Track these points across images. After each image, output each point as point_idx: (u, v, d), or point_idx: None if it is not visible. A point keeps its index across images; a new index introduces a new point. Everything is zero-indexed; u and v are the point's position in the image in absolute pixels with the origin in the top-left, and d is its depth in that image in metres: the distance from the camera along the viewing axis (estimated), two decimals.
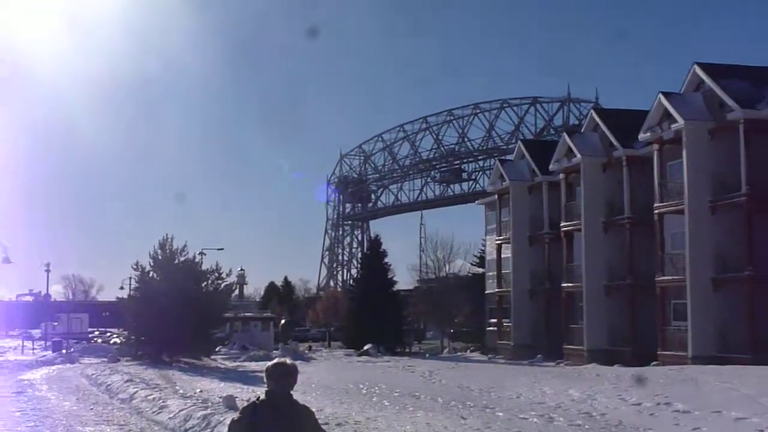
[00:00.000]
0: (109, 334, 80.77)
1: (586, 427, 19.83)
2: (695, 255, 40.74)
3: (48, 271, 70.26)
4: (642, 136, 44.70)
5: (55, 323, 77.33)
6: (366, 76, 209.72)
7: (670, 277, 42.55)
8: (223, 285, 51.10)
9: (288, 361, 6.54)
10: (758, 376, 27.30)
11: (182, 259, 50.21)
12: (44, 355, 54.64)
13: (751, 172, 38.98)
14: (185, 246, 50.61)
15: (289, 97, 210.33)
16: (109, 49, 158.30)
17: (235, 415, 6.41)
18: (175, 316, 46.40)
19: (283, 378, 6.34)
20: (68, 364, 47.75)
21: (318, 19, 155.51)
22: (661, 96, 43.01)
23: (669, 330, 42.67)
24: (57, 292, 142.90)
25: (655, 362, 41.52)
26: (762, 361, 35.11)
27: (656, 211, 43.60)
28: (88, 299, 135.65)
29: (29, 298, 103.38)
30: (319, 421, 6.52)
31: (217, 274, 50.46)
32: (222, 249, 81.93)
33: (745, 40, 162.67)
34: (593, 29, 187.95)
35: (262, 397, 6.30)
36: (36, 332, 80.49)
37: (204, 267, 52.16)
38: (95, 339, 76.75)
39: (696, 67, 42.48)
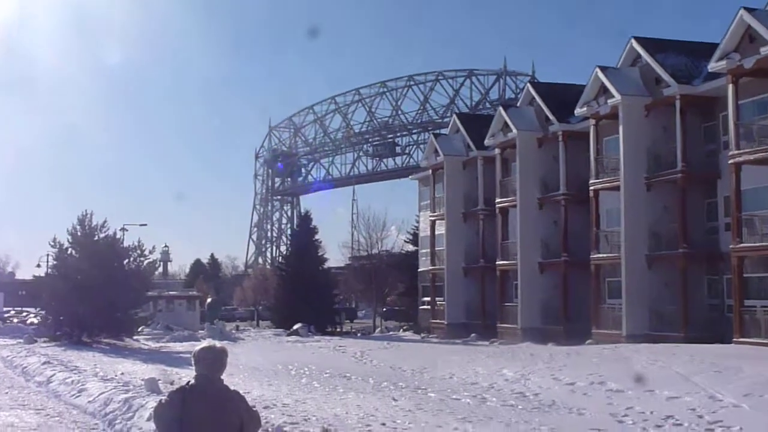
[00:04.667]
0: (25, 313, 79.21)
1: (519, 407, 20.23)
2: (630, 232, 41.54)
3: None
4: (578, 110, 45.26)
5: None
6: (296, 43, 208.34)
7: (604, 255, 43.33)
8: (146, 262, 50.52)
9: (217, 344, 6.59)
10: (690, 354, 28.10)
11: (102, 235, 49.49)
12: None
13: (686, 149, 39.81)
14: (105, 222, 49.92)
15: (214, 64, 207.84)
16: None
17: (162, 398, 6.44)
18: (95, 294, 45.79)
19: (212, 362, 6.39)
20: None
21: None
22: (597, 70, 43.58)
23: (603, 308, 43.51)
24: None
25: (589, 340, 42.30)
26: (694, 338, 36.01)
27: (591, 188, 44.27)
28: (4, 277, 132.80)
29: None
30: None
31: (139, 251, 49.88)
32: (145, 225, 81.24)
33: (682, 15, 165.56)
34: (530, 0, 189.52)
35: (192, 381, 6.34)
36: None
37: (126, 244, 51.61)
38: (11, 319, 75.27)
39: (633, 41, 42.91)
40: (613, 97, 42.39)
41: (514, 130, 51.19)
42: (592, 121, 44.70)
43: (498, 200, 53.35)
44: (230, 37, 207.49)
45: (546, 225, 50.06)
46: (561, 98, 48.95)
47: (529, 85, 56.06)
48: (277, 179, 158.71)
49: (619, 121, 42.15)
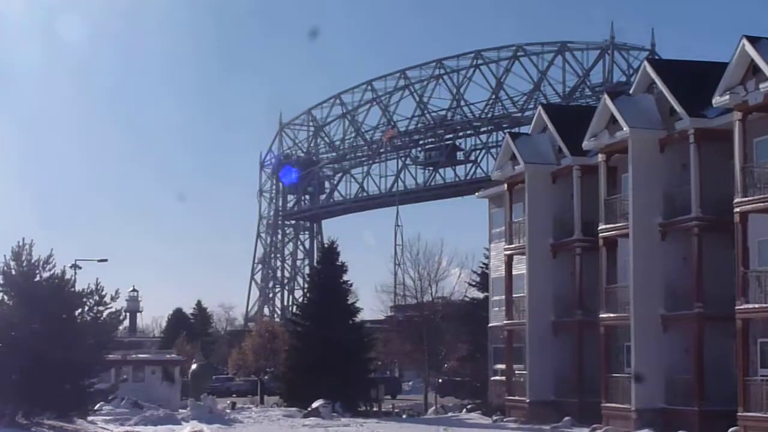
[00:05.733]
0: None
1: None
2: None
3: None
4: (717, 99, 44.79)
5: None
6: (318, 11, 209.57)
7: (755, 305, 42.71)
8: (106, 313, 50.61)
9: (205, 430, 6.42)
10: None
11: (46, 275, 49.64)
12: None
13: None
14: (51, 256, 50.07)
15: (210, 45, 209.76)
16: None
17: None
18: (34, 358, 45.79)
19: None
20: None
21: None
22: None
23: (756, 382, 42.79)
24: None
25: (733, 427, 41.67)
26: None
27: (737, 209, 43.71)
28: None
29: None
30: None
31: (97, 298, 49.95)
32: (105, 260, 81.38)
33: None
34: None
35: None
36: None
37: (79, 287, 51.71)
38: None
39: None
40: (767, 80, 41.98)
41: (626, 128, 50.67)
42: (738, 115, 44.15)
43: (602, 227, 52.77)
44: (238, 17, 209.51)
45: (671, 261, 49.36)
46: (692, 82, 48.41)
47: (646, 63, 55.52)
48: (290, 197, 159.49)
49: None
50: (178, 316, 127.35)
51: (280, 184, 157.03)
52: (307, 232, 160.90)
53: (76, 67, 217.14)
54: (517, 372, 60.56)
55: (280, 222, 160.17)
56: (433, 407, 73.15)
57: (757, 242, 43.12)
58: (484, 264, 73.79)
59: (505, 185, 62.41)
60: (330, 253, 73.62)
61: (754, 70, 42.28)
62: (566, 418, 52.99)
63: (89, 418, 51.37)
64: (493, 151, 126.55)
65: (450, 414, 67.93)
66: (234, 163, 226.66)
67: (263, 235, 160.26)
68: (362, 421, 55.94)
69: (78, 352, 47.68)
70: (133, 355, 73.15)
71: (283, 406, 69.01)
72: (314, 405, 60.65)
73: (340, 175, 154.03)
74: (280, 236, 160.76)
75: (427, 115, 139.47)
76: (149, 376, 70.52)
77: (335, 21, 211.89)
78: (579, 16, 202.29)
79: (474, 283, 77.77)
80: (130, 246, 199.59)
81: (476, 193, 73.03)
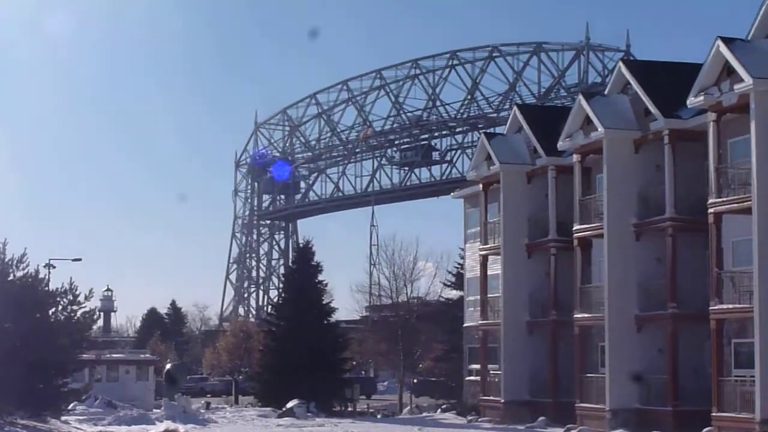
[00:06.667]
0: None
1: None
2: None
3: None
4: (692, 100, 44.91)
5: None
6: (293, 10, 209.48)
7: (729, 306, 42.84)
8: (80, 312, 50.38)
9: (180, 429, 6.41)
10: None
11: (20, 273, 49.47)
12: None
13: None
14: (24, 255, 49.90)
15: (183, 41, 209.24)
16: None
17: None
18: (8, 356, 45.71)
19: None
20: None
21: None
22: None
23: (729, 382, 42.90)
24: None
25: (708, 429, 41.80)
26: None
27: (711, 210, 43.84)
28: None
29: None
30: None
31: (71, 297, 49.77)
32: (79, 260, 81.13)
33: None
34: None
35: None
36: None
37: (52, 286, 51.46)
38: None
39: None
40: (741, 81, 42.14)
41: (600, 129, 50.78)
42: (712, 116, 44.32)
43: (577, 227, 52.90)
44: (217, 14, 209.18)
45: (646, 262, 49.49)
46: (667, 82, 48.58)
47: (621, 64, 55.59)
48: (265, 197, 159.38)
49: (751, 115, 41.92)
50: (152, 315, 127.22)
51: (256, 183, 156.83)
52: (282, 232, 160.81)
53: (62, 60, 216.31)
54: (492, 372, 60.62)
55: (255, 222, 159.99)
56: (408, 407, 73.14)
57: (731, 243, 43.32)
58: (459, 264, 73.88)
59: (481, 185, 62.46)
60: (305, 252, 73.59)
61: (728, 71, 42.39)
62: (541, 418, 53.08)
63: (63, 418, 51.17)
64: (468, 151, 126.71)
65: (425, 414, 67.92)
66: (209, 162, 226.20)
67: (238, 234, 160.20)
68: (337, 421, 55.94)
69: (51, 351, 47.52)
70: (107, 355, 72.92)
71: (257, 406, 68.92)
72: (289, 405, 60.59)
73: (315, 174, 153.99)
74: (255, 236, 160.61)
75: (403, 115, 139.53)
76: (123, 375, 70.40)
77: (312, 21, 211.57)
78: (554, 17, 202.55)
79: (449, 283, 77.86)
80: (104, 245, 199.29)
81: (452, 193, 73.07)
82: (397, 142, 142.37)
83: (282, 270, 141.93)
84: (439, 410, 68.87)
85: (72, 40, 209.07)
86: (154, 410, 61.57)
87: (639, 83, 50.39)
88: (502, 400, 58.19)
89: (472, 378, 64.40)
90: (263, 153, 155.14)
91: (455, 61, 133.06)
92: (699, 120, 45.68)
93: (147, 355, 78.95)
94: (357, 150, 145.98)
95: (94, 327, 62.63)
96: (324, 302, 70.68)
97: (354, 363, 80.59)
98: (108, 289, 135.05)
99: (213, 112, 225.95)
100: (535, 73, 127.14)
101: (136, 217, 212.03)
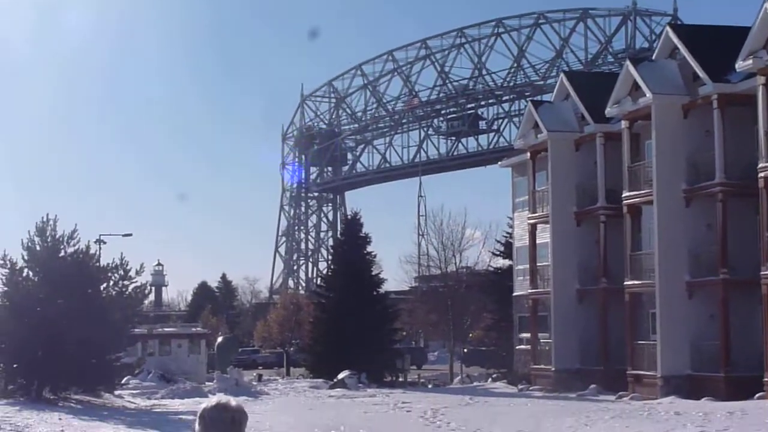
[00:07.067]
0: None
1: None
2: None
3: None
4: (741, 64, 44.60)
5: None
6: None
7: None
8: (131, 287, 50.78)
9: (232, 402, 6.50)
10: None
11: (71, 250, 49.83)
12: None
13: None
14: (75, 231, 50.21)
15: (229, 14, 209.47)
16: None
17: None
18: (60, 333, 46.04)
19: (226, 428, 6.23)
20: None
21: None
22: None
23: None
24: None
25: (760, 393, 41.60)
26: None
27: (761, 175, 43.54)
28: None
29: None
30: None
31: (122, 272, 50.14)
32: (129, 235, 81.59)
33: None
34: None
35: None
36: None
37: (103, 262, 51.80)
38: None
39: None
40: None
41: (648, 95, 50.50)
42: (761, 80, 43.95)
43: (626, 194, 52.66)
44: None
45: (696, 228, 49.33)
46: (715, 47, 48.30)
47: (668, 28, 55.26)
48: (313, 169, 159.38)
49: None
50: (203, 289, 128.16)
51: (304, 156, 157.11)
52: (330, 204, 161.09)
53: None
54: (542, 341, 60.64)
55: (304, 195, 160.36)
56: (459, 377, 73.32)
57: None
58: (507, 233, 73.75)
59: (528, 154, 62.34)
60: (353, 224, 73.73)
61: None
62: (592, 386, 53.03)
63: (116, 392, 51.65)
64: (515, 119, 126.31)
65: (476, 383, 68.08)
66: (256, 135, 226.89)
67: (287, 208, 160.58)
68: (388, 392, 56.11)
69: (103, 326, 47.84)
70: (159, 329, 73.46)
71: (309, 378, 69.27)
72: (340, 376, 60.83)
73: (362, 146, 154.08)
74: (303, 209, 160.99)
75: (449, 85, 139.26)
76: (176, 349, 70.86)
77: None
78: None
79: (498, 253, 77.74)
80: (154, 221, 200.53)
81: (499, 162, 72.95)
82: (443, 111, 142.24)
83: (330, 242, 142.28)
84: (490, 379, 69.05)
85: (104, 21, 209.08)
86: (207, 383, 62.02)
87: (687, 48, 50.11)
88: (553, 369, 58.24)
89: (522, 347, 64.42)
90: (309, 126, 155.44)
91: (501, 29, 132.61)
92: (748, 84, 45.28)
93: (199, 329, 79.40)
94: (403, 121, 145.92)
95: (146, 302, 63.10)
96: (373, 273, 70.82)
97: (404, 333, 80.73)
98: (159, 264, 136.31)
99: (260, 84, 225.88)
100: (581, 39, 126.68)
101: (190, 193, 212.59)
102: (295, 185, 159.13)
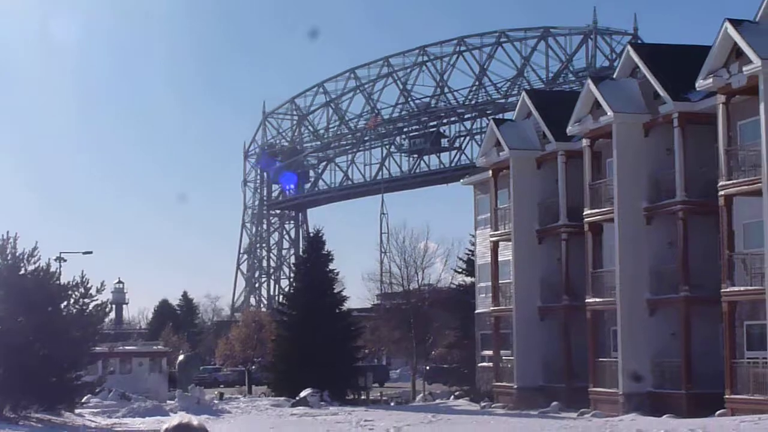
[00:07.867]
0: None
1: None
2: None
3: None
4: (701, 83, 44.88)
5: None
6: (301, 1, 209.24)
7: (741, 288, 42.83)
8: (92, 305, 50.52)
9: (193, 421, 6.43)
10: None
11: (31, 267, 49.55)
12: None
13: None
14: (35, 249, 49.97)
15: (192, 33, 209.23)
16: None
17: None
18: (21, 351, 45.74)
19: None
20: None
21: None
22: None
23: (741, 365, 42.92)
24: None
25: (721, 410, 41.77)
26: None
27: (721, 193, 43.79)
28: None
29: None
30: None
31: (83, 290, 49.88)
32: (90, 252, 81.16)
33: None
34: None
35: None
36: None
37: (64, 279, 51.53)
38: None
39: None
40: (750, 62, 42.08)
41: (610, 113, 50.76)
42: (721, 98, 44.26)
43: (588, 212, 52.88)
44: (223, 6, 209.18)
45: (657, 245, 49.57)
46: (676, 65, 48.65)
47: (629, 47, 55.62)
48: (275, 186, 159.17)
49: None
50: (164, 307, 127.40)
51: (265, 173, 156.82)
52: (292, 222, 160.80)
53: (68, 54, 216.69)
54: (504, 358, 60.69)
55: (265, 212, 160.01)
56: (421, 394, 73.25)
57: (742, 225, 43.53)
58: (470, 251, 73.87)
59: (490, 171, 62.46)
60: (315, 242, 73.65)
61: (737, 53, 42.45)
62: (554, 403, 53.11)
63: (77, 411, 51.32)
64: (477, 137, 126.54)
65: (438, 401, 68.03)
66: (218, 153, 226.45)
67: (248, 225, 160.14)
68: (350, 410, 56.00)
69: (64, 344, 47.62)
70: (120, 347, 73.07)
71: (270, 396, 68.99)
72: (302, 394, 60.66)
73: (324, 163, 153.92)
74: (265, 226, 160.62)
75: (411, 103, 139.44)
76: (136, 367, 70.54)
77: (319, 10, 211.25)
78: (561, 2, 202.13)
79: (460, 271, 77.83)
80: (114, 238, 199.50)
81: (461, 180, 73.08)
82: (405, 129, 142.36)
83: (293, 259, 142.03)
84: (452, 397, 69.03)
85: (80, 36, 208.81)
86: (168, 401, 61.68)
87: (647, 66, 50.43)
88: (515, 386, 58.31)
89: (484, 364, 64.47)
90: (271, 143, 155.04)
91: (463, 48, 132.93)
92: (708, 102, 45.72)
93: (160, 347, 79.04)
94: (366, 138, 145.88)
95: (107, 320, 62.79)
96: (335, 291, 70.75)
97: (366, 351, 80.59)
98: (119, 282, 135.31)
99: (222, 102, 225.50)
100: (543, 58, 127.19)
101: (146, 209, 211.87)
102: (256, 203, 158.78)
